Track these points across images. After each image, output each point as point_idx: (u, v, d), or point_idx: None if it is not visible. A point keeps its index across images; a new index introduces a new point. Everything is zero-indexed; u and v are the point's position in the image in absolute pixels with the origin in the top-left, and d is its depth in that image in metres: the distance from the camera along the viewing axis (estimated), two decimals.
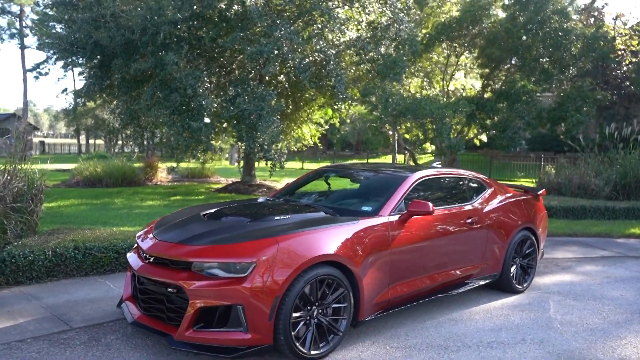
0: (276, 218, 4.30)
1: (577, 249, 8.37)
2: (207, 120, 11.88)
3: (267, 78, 13.96)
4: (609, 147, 14.31)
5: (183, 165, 18.94)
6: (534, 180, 16.26)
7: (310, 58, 12.87)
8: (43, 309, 4.64)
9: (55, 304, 4.80)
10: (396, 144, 20.10)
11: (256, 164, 16.73)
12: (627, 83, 26.40)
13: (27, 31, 37.38)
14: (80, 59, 12.88)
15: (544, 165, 17.62)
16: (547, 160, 20.01)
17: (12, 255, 5.32)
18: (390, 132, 19.98)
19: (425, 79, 18.16)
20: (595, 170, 13.49)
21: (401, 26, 13.59)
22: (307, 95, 15.56)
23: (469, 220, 5.19)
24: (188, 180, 18.23)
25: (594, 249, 8.46)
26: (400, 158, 30.47)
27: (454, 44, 16.29)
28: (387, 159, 36.71)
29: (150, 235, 4.19)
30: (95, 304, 4.82)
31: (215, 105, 12.38)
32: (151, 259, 3.93)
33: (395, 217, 4.47)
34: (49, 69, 17.13)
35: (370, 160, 37.39)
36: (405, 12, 14.33)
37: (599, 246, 8.67)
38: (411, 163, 20.74)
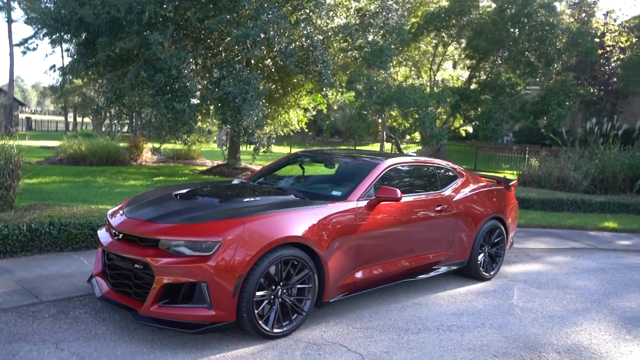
0: (245, 200, 4.39)
1: (550, 240, 8.57)
2: (195, 101, 11.86)
3: (253, 62, 13.94)
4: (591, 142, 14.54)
5: (169, 146, 18.91)
6: (514, 172, 16.47)
7: (297, 43, 12.87)
8: (14, 283, 4.71)
9: (27, 278, 4.86)
10: (384, 133, 20.19)
11: (242, 148, 16.75)
12: (615, 79, 26.66)
13: (14, 4, 36.68)
14: (66, 35, 12.77)
15: (527, 158, 17.82)
16: (532, 153, 20.22)
17: None
18: (377, 120, 20.03)
19: (413, 68, 18.20)
20: (575, 164, 13.72)
21: (390, 14, 13.60)
22: (295, 80, 15.55)
23: (438, 208, 5.31)
24: (173, 162, 18.21)
25: (565, 240, 8.66)
26: (387, 146, 30.60)
27: (442, 34, 16.32)
28: (375, 147, 36.83)
29: (121, 213, 4.26)
30: (67, 279, 4.90)
31: (200, 87, 12.36)
32: (120, 236, 4.01)
33: (363, 203, 4.57)
34: (37, 45, 16.90)
35: (358, 148, 37.51)
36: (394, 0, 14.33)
37: (571, 238, 8.87)
38: (396, 151, 20.87)
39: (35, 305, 4.25)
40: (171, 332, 3.86)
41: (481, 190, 6.01)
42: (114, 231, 4.11)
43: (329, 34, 13.60)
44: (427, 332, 4.29)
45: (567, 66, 17.17)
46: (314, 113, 20.37)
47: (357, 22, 13.79)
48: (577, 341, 4.33)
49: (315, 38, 12.47)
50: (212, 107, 14.31)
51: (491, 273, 6.02)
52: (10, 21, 35.34)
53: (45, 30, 12.59)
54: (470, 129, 18.33)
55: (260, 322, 3.78)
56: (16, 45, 14.31)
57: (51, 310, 4.17)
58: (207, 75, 14.06)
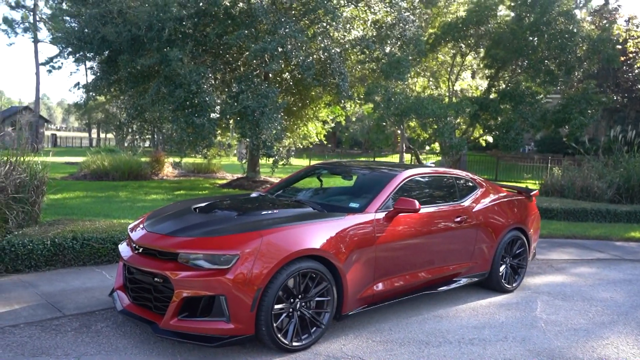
0: (263, 212, 4.40)
1: (574, 251, 8.39)
2: (214, 115, 12.02)
3: (271, 75, 14.07)
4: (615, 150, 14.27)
5: (189, 160, 19.13)
6: (536, 182, 16.23)
7: (315, 56, 12.96)
8: (38, 296, 4.79)
9: (51, 292, 4.94)
10: (403, 144, 20.15)
11: (261, 161, 16.86)
12: (639, 86, 26.20)
13: (40, 25, 37.81)
14: (89, 53, 13.09)
15: (550, 167, 17.56)
16: (554, 163, 19.93)
17: (11, 244, 5.48)
18: (396, 131, 19.99)
19: (432, 79, 18.16)
20: (599, 173, 13.46)
21: (406, 25, 13.64)
22: (313, 93, 15.65)
23: (458, 219, 5.26)
24: (194, 175, 18.42)
25: (590, 251, 8.48)
26: (407, 157, 30.48)
27: (460, 44, 16.29)
28: (395, 158, 36.71)
29: (141, 227, 4.32)
30: (89, 293, 4.96)
31: (219, 101, 12.52)
32: (140, 250, 4.06)
33: (381, 215, 4.55)
34: (61, 63, 17.38)
35: (377, 159, 37.43)
36: (411, 11, 14.37)
37: (596, 248, 8.68)
38: (415, 162, 20.77)
39: (58, 319, 4.32)
40: (191, 346, 3.87)
41: (502, 200, 5.93)
42: (134, 245, 4.16)
43: (346, 46, 13.68)
44: (448, 345, 4.22)
45: (588, 74, 16.96)
46: (333, 125, 20.44)
47: (374, 34, 13.85)
48: (604, 355, 4.21)
49: (333, 51, 12.55)
50: (231, 121, 14.47)
51: (513, 285, 5.91)
52: (36, 41, 36.40)
53: (69, 49, 12.94)
54: (490, 139, 18.17)
55: (279, 335, 3.77)
56: (42, 64, 14.71)
57: (74, 324, 4.22)
58: (226, 89, 14.24)
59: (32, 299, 4.73)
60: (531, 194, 6.49)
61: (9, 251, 5.46)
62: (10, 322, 4.18)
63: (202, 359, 3.71)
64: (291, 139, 16.95)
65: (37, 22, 37.15)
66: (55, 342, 3.87)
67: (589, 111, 14.22)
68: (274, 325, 3.74)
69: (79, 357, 3.64)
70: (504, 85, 16.25)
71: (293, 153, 17.31)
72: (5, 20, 36.56)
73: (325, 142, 22.79)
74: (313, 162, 31.64)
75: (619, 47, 17.18)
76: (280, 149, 14.51)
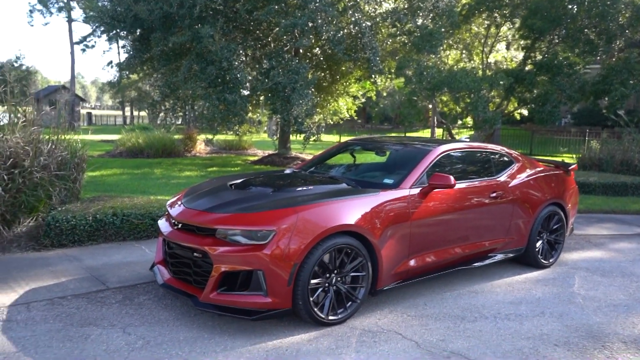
0: (298, 189, 4.44)
1: (613, 226, 8.20)
2: (245, 92, 12.08)
3: (301, 51, 13.98)
4: None
5: (221, 137, 19.33)
6: (573, 156, 15.80)
7: (345, 30, 12.80)
8: (83, 270, 4.98)
9: (94, 265, 5.14)
10: (434, 118, 19.85)
11: (292, 137, 16.90)
12: None
13: (74, 4, 38.33)
14: (122, 32, 13.25)
15: (588, 141, 17.04)
16: (592, 136, 19.32)
17: (56, 220, 5.70)
18: (428, 106, 19.68)
19: (465, 51, 17.73)
20: None
21: None
22: (344, 68, 15.51)
23: (494, 195, 5.19)
24: (225, 152, 18.62)
25: (630, 226, 8.27)
26: (439, 132, 30.05)
27: (495, 14, 15.79)
28: (426, 133, 36.25)
29: (179, 203, 4.41)
30: (131, 267, 5.13)
31: (250, 78, 12.54)
32: (179, 225, 4.16)
33: (416, 190, 4.53)
34: (95, 42, 17.78)
35: (408, 135, 37.03)
36: None
37: (636, 224, 8.46)
38: (448, 137, 20.46)
39: (102, 291, 4.49)
40: (230, 318, 3.98)
41: (538, 175, 5.82)
42: (173, 221, 4.27)
43: (377, 19, 13.45)
44: (484, 321, 4.22)
45: (630, 42, 16.24)
46: (363, 100, 20.26)
47: (406, 6, 13.57)
48: None
49: (364, 24, 12.37)
50: (262, 98, 14.52)
51: (550, 260, 5.83)
52: (70, 20, 36.99)
53: (102, 28, 13.13)
54: (525, 112, 17.72)
55: (315, 309, 3.83)
56: (76, 43, 15.03)
57: (117, 297, 4.39)
58: (257, 66, 14.24)
59: (77, 272, 4.93)
60: (569, 168, 6.34)
61: (54, 226, 5.67)
62: (59, 293, 4.37)
63: (241, 332, 3.81)
64: (321, 115, 16.90)
65: (71, 1, 37.67)
66: (101, 313, 4.03)
67: (630, 81, 13.67)
68: (311, 299, 3.80)
69: (125, 327, 3.79)
70: (540, 57, 15.73)
71: (323, 129, 17.30)
72: (41, 0, 37.17)
73: (355, 118, 22.66)
74: (343, 138, 31.55)
75: None
76: (311, 125, 14.51)
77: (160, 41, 12.14)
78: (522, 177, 5.62)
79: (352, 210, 4.07)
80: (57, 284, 4.61)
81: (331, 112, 17.75)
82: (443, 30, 13.53)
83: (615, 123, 14.41)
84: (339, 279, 4.00)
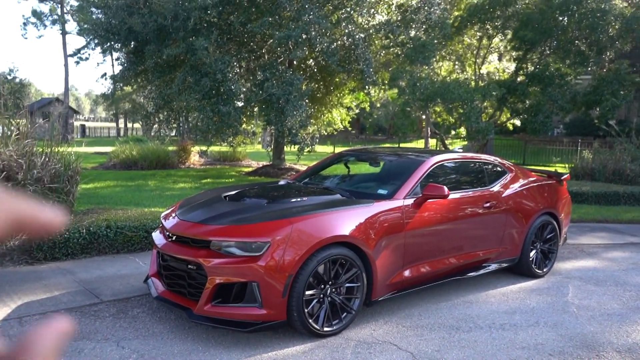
0: (293, 200, 4.45)
1: (606, 235, 8.25)
2: (239, 104, 12.11)
3: (295, 62, 14.06)
4: None
5: (215, 149, 19.32)
6: (566, 166, 15.91)
7: (339, 42, 12.89)
8: (76, 283, 4.95)
9: (88, 278, 5.10)
10: (428, 129, 19.93)
11: (286, 148, 16.92)
12: None
13: (68, 17, 38.45)
14: (116, 44, 13.29)
15: (580, 150, 17.17)
16: (584, 145, 19.47)
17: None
18: (421, 117, 19.78)
19: (457, 62, 17.88)
20: (632, 155, 13.14)
21: (432, 8, 13.44)
22: (337, 79, 15.59)
23: (487, 205, 5.22)
24: (220, 164, 18.61)
25: (623, 235, 8.31)
26: (432, 142, 30.18)
27: (487, 26, 15.96)
28: (420, 144, 36.38)
29: (174, 215, 4.41)
30: (125, 280, 5.11)
31: (245, 89, 12.58)
32: (174, 237, 4.15)
33: (410, 201, 4.55)
34: (89, 54, 17.77)
35: (402, 145, 37.17)
36: None
37: (629, 232, 8.51)
38: (441, 148, 20.55)
39: (96, 305, 4.46)
40: (225, 331, 3.96)
41: (531, 185, 5.86)
42: (167, 233, 4.26)
43: (371, 31, 13.56)
44: (478, 331, 4.22)
45: (621, 53, 16.44)
46: (357, 111, 20.33)
47: (399, 19, 13.70)
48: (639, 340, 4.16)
49: (357, 36, 12.47)
50: (256, 109, 14.54)
51: (544, 270, 5.86)
52: (64, 33, 37.03)
53: (96, 40, 13.14)
54: (518, 123, 17.84)
55: (310, 320, 3.83)
56: (70, 55, 14.98)
57: (111, 310, 4.36)
58: (251, 77, 14.30)
59: (71, 285, 4.90)
60: (562, 177, 6.39)
61: (47, 239, 5.64)
62: (52, 307, 4.34)
63: (236, 344, 3.80)
64: (315, 126, 16.95)
65: (65, 14, 37.78)
66: (95, 327, 4.01)
67: (621, 92, 13.83)
68: (305, 311, 3.80)
69: (118, 341, 3.76)
70: (532, 68, 15.89)
71: (317, 140, 17.32)
72: (35, 13, 37.29)
73: (349, 129, 22.70)
74: (337, 149, 31.61)
75: None
76: (305, 136, 14.54)
77: (154, 53, 12.17)
78: (515, 187, 5.65)
79: (347, 221, 4.08)
80: (50, 297, 4.57)
81: (325, 123, 17.80)
82: (436, 41, 13.65)
83: (607, 133, 14.56)
84: (333, 290, 4.00)
